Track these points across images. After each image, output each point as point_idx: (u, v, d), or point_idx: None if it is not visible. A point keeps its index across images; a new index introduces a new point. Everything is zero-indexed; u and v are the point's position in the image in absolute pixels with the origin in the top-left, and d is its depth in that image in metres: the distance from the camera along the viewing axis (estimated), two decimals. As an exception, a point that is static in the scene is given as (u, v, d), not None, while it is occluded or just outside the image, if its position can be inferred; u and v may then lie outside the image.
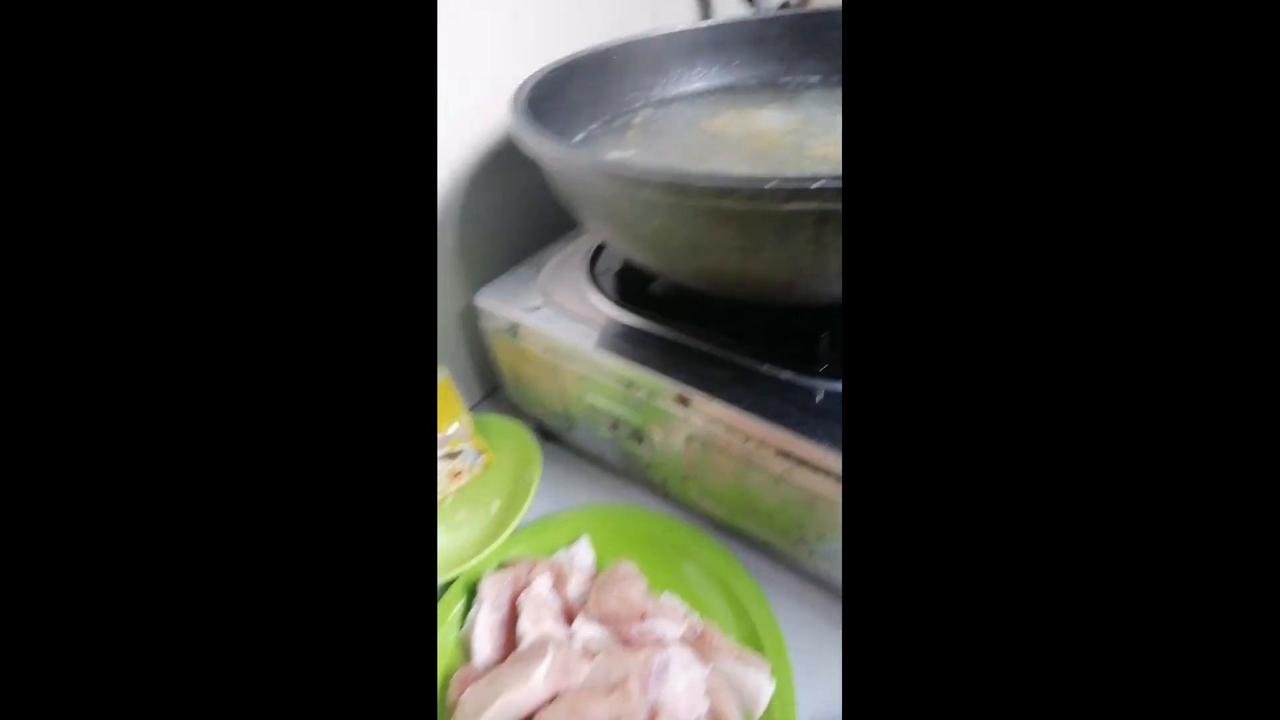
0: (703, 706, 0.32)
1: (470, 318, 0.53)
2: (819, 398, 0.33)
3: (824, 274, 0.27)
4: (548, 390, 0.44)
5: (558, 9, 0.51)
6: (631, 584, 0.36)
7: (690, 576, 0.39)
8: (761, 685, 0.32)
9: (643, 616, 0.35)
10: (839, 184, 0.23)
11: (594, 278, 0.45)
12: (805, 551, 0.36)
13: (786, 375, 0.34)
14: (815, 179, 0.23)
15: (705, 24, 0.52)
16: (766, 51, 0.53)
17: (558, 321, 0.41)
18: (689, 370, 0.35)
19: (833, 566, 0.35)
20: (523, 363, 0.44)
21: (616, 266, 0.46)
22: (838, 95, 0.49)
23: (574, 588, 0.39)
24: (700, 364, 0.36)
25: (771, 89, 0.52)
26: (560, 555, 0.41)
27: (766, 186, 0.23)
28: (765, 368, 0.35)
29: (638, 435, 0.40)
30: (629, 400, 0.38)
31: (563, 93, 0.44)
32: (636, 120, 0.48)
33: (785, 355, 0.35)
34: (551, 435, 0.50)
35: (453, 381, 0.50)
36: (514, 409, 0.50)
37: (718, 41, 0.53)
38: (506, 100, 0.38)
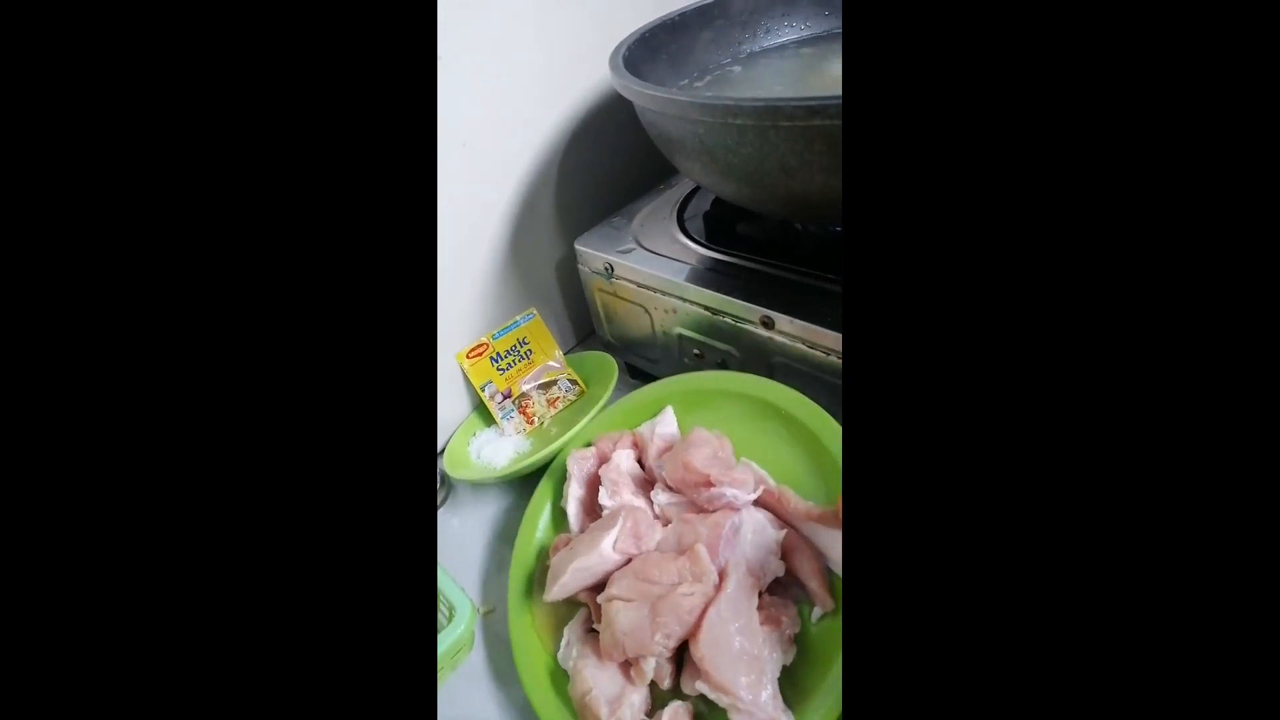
0: (778, 567, 0.32)
1: (567, 267, 0.58)
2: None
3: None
4: (638, 325, 0.49)
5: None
6: (699, 450, 0.35)
7: (778, 437, 0.37)
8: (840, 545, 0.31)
9: (708, 483, 0.34)
10: None
11: (682, 223, 0.48)
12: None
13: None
14: None
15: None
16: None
17: (649, 261, 0.45)
18: (772, 295, 0.38)
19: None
20: (616, 301, 0.49)
21: (703, 211, 0.49)
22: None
23: (655, 457, 0.39)
24: (783, 289, 0.39)
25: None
26: (644, 427, 0.41)
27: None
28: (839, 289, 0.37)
29: (722, 361, 0.43)
30: (715, 328, 0.42)
31: (655, 52, 0.48)
32: (727, 76, 0.51)
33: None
34: (640, 373, 0.54)
35: (545, 324, 0.56)
36: (607, 350, 0.55)
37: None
38: (599, 66, 0.42)
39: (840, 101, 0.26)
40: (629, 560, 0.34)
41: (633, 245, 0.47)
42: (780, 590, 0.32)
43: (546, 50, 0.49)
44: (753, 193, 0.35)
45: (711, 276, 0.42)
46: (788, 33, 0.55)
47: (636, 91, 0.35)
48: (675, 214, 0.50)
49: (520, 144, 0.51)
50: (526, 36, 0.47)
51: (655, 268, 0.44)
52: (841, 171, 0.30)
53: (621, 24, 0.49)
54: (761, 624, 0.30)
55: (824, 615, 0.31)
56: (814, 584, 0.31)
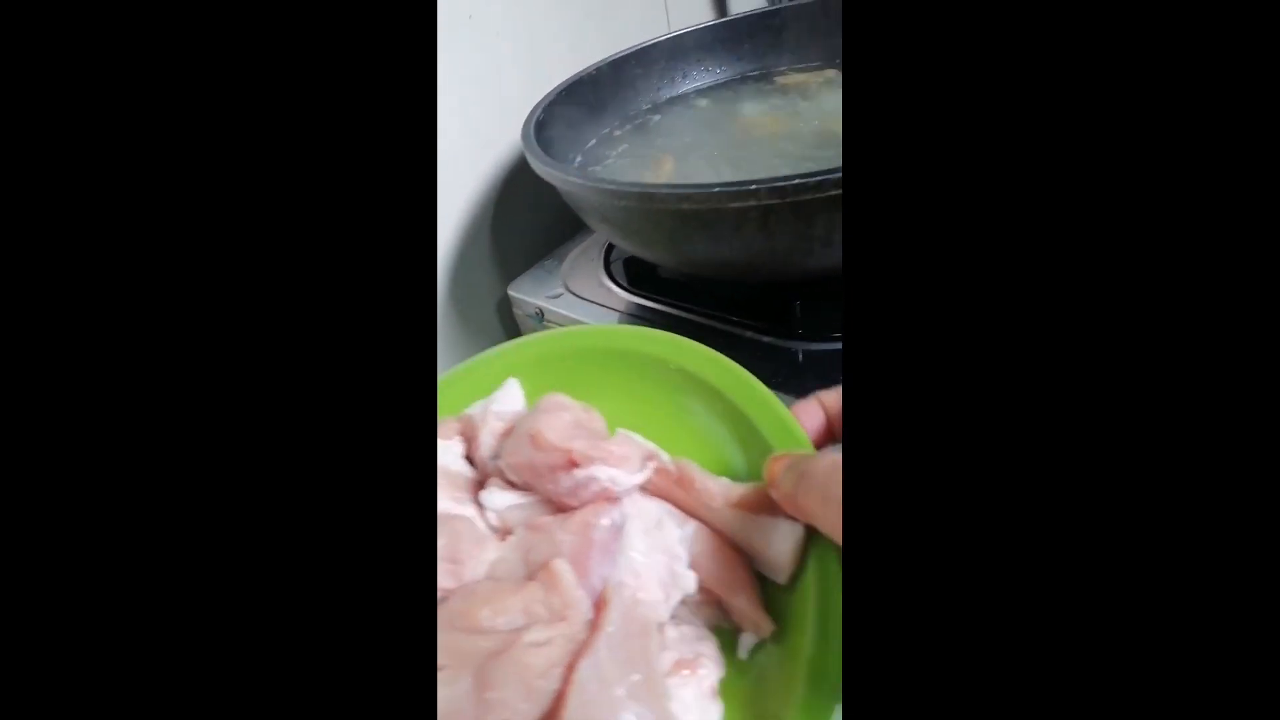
0: (687, 582, 0.22)
1: (505, 309, 0.61)
2: (800, 358, 0.38)
3: (774, 257, 0.32)
4: (572, 365, 0.52)
5: (570, 27, 0.57)
6: (553, 417, 0.24)
7: (675, 406, 0.28)
8: (784, 535, 0.22)
9: (570, 463, 0.22)
10: (775, 184, 0.28)
11: (607, 267, 0.51)
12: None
13: (769, 339, 0.40)
14: (752, 182, 0.28)
15: (687, 29, 0.57)
16: (756, 49, 0.58)
17: (576, 306, 0.48)
18: (682, 341, 0.42)
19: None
20: (551, 343, 0.52)
21: (626, 256, 0.52)
22: (820, 80, 0.53)
23: (488, 445, 0.26)
24: (697, 335, 0.42)
25: (764, 80, 0.56)
26: (474, 408, 0.28)
27: (714, 190, 0.29)
28: (750, 334, 0.40)
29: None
30: (636, 370, 0.45)
31: (576, 104, 0.51)
32: (646, 124, 0.54)
33: (768, 323, 0.40)
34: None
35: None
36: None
37: (714, 41, 0.57)
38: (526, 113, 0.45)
39: (704, 190, 0.29)
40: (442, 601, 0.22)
41: (561, 290, 0.50)
42: (685, 616, 0.22)
43: (478, 97, 0.52)
44: (652, 255, 0.38)
45: (633, 322, 0.45)
46: (704, 77, 0.58)
47: (538, 165, 0.38)
48: (603, 257, 0.53)
49: (455, 186, 0.53)
50: (457, 77, 0.50)
51: (581, 313, 0.47)
52: (714, 241, 0.33)
53: (551, 72, 0.52)
54: (668, 675, 0.20)
55: (759, 644, 0.22)
56: (740, 600, 0.21)
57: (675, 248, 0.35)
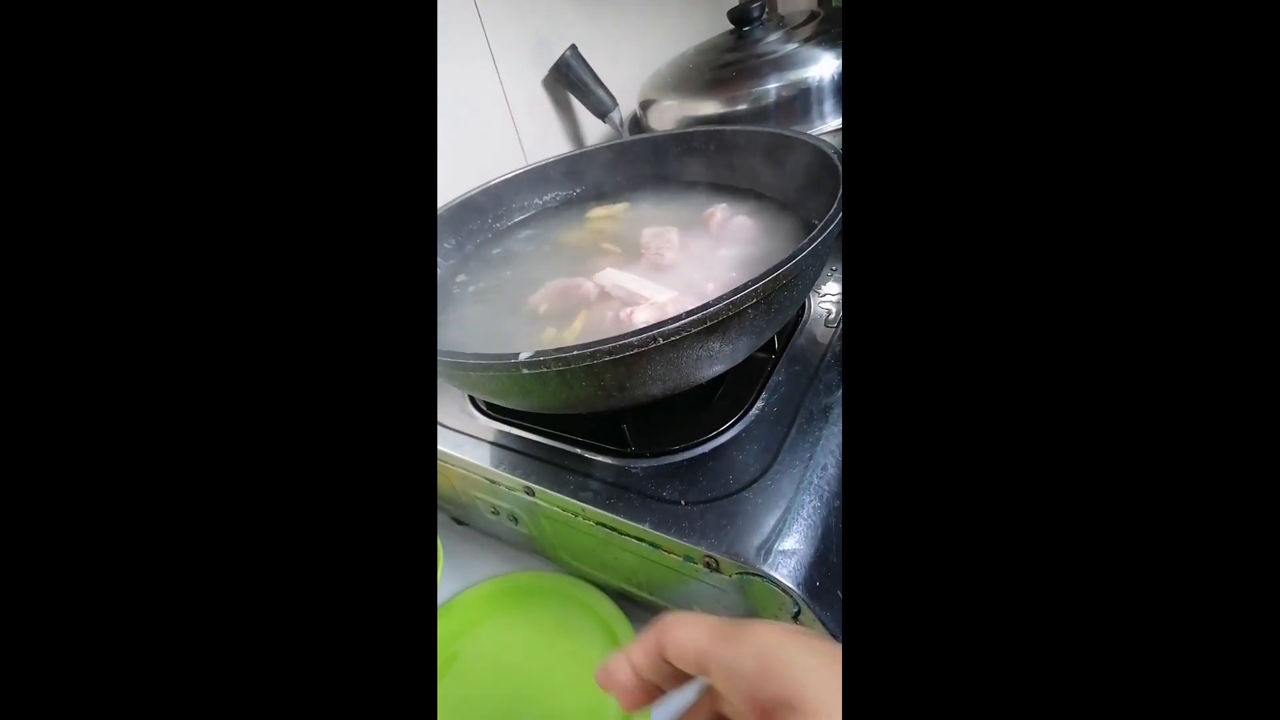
0: None
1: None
2: (632, 470, 0.43)
3: (586, 401, 0.38)
4: (446, 489, 0.55)
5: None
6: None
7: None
8: None
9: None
10: (561, 352, 0.33)
11: (471, 395, 0.55)
12: (646, 593, 0.46)
13: (603, 459, 0.45)
14: (544, 352, 0.33)
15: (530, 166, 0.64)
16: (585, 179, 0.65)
17: (443, 436, 0.52)
18: (530, 466, 0.46)
19: (669, 604, 0.45)
20: (422, 471, 0.55)
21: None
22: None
23: None
24: (539, 460, 0.46)
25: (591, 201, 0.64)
26: None
27: (511, 361, 0.34)
28: (590, 455, 0.45)
29: (513, 517, 0.50)
30: (498, 492, 0.49)
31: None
32: (486, 258, 0.60)
33: (602, 444, 0.45)
34: (462, 521, 0.60)
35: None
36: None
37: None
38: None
39: (503, 360, 0.34)
40: None
41: (426, 421, 0.53)
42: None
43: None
44: (478, 395, 0.43)
45: (487, 450, 0.49)
46: (536, 205, 0.64)
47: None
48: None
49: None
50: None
51: (448, 443, 0.51)
52: (526, 393, 0.38)
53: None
54: None
55: None
56: None
57: (501, 393, 0.40)
